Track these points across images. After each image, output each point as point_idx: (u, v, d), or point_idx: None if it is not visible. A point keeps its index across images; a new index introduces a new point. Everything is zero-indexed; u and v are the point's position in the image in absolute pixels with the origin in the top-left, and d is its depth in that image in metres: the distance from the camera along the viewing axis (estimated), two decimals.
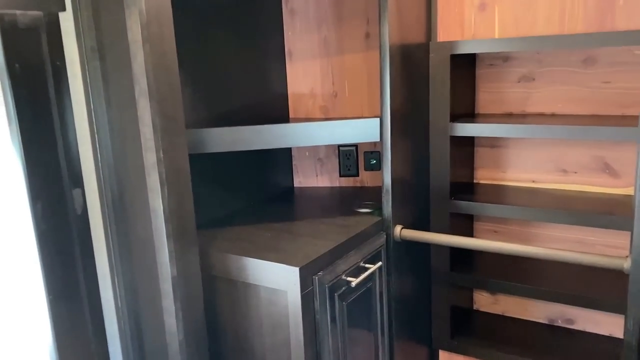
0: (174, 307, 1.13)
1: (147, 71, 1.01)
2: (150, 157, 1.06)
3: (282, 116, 1.71)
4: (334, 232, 1.31)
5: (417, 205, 1.52)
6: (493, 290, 1.57)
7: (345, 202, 1.59)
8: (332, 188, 1.75)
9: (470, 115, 1.66)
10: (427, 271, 1.62)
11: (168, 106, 1.06)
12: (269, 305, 1.18)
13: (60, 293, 1.17)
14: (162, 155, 1.06)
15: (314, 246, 1.22)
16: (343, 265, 1.23)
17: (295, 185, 1.79)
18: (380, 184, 1.68)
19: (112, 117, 1.12)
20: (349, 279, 1.23)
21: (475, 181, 1.75)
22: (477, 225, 1.78)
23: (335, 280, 1.20)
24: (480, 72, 1.66)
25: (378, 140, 1.34)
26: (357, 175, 1.74)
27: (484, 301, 1.83)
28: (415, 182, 1.49)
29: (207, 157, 1.43)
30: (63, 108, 1.13)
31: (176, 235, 1.11)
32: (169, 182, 1.08)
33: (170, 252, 1.10)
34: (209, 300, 1.27)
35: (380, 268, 1.34)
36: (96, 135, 1.14)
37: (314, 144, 1.32)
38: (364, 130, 1.33)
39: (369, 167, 1.73)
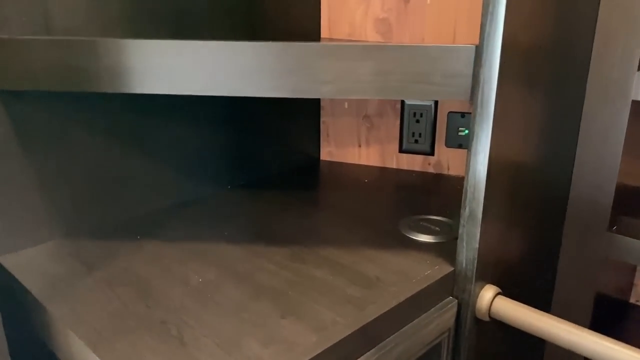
0: None
1: None
2: None
3: (305, 35, 0.96)
4: (342, 298, 0.59)
5: (529, 233, 0.74)
6: None
7: (401, 204, 0.84)
8: (383, 170, 1.00)
9: None
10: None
11: None
12: None
13: None
14: None
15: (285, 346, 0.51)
16: None
17: (322, 158, 1.06)
18: None
19: None
20: None
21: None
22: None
23: None
24: None
25: (468, 98, 0.57)
26: (432, 153, 0.98)
27: None
28: (534, 184, 0.71)
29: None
30: None
31: None
32: None
33: None
34: None
35: None
36: None
37: (341, 96, 0.58)
38: (435, 69, 0.56)
39: (454, 141, 0.95)
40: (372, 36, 0.94)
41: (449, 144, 0.95)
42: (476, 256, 0.61)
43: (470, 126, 0.58)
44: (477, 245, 0.61)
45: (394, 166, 1.01)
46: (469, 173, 0.59)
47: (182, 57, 0.58)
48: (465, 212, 0.61)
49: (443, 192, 0.89)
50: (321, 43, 0.57)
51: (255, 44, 0.57)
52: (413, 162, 0.99)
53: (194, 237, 0.72)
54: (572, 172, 0.77)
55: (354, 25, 0.94)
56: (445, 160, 0.97)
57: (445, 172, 0.98)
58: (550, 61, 0.65)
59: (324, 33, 0.97)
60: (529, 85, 0.62)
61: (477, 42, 0.55)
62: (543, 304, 0.83)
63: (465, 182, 0.60)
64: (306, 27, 0.96)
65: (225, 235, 0.73)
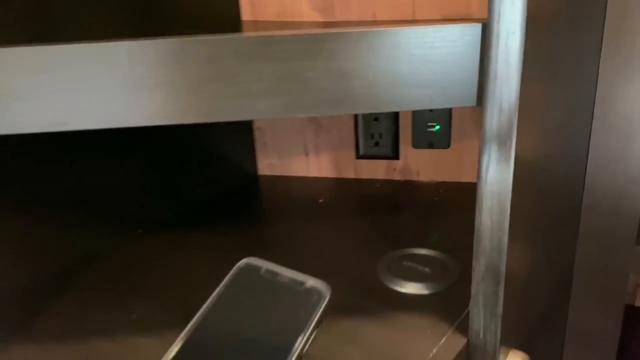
0: None
1: None
2: None
3: (220, 22, 0.74)
4: None
5: (549, 264, 0.57)
6: None
7: (373, 233, 0.65)
8: (339, 183, 0.80)
9: None
10: None
11: None
12: None
13: None
14: None
15: None
16: None
17: (260, 173, 0.85)
18: (448, 180, 0.75)
19: None
20: None
21: None
22: None
23: None
24: None
25: (474, 102, 0.38)
26: (396, 156, 0.79)
27: None
28: (551, 203, 0.54)
29: None
30: None
31: None
32: None
33: None
34: None
35: None
36: None
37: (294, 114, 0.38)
38: (420, 65, 0.37)
39: (422, 140, 0.76)
40: (308, 14, 0.73)
41: (416, 143, 0.76)
42: (500, 324, 0.43)
43: (480, 153, 0.39)
44: (500, 310, 0.42)
45: (352, 176, 0.81)
46: (482, 214, 0.40)
47: (21, 72, 0.35)
48: (479, 267, 0.42)
49: (418, 207, 0.71)
50: (245, 35, 0.36)
51: (137, 43, 0.35)
52: (375, 170, 0.80)
53: (88, 328, 0.50)
54: (584, 175, 0.60)
55: (284, 2, 0.73)
56: (414, 163, 0.78)
57: (414, 178, 0.79)
58: (564, 37, 0.47)
59: (245, 15, 0.75)
60: (548, 73, 0.43)
61: (470, 17, 0.36)
62: (557, 331, 0.66)
63: (477, 226, 0.41)
64: (221, 9, 0.74)
65: (132, 319, 0.51)
